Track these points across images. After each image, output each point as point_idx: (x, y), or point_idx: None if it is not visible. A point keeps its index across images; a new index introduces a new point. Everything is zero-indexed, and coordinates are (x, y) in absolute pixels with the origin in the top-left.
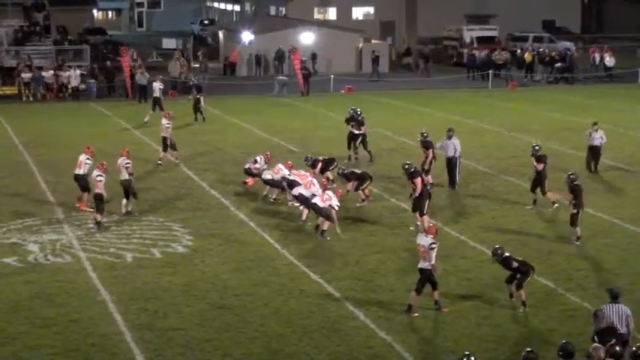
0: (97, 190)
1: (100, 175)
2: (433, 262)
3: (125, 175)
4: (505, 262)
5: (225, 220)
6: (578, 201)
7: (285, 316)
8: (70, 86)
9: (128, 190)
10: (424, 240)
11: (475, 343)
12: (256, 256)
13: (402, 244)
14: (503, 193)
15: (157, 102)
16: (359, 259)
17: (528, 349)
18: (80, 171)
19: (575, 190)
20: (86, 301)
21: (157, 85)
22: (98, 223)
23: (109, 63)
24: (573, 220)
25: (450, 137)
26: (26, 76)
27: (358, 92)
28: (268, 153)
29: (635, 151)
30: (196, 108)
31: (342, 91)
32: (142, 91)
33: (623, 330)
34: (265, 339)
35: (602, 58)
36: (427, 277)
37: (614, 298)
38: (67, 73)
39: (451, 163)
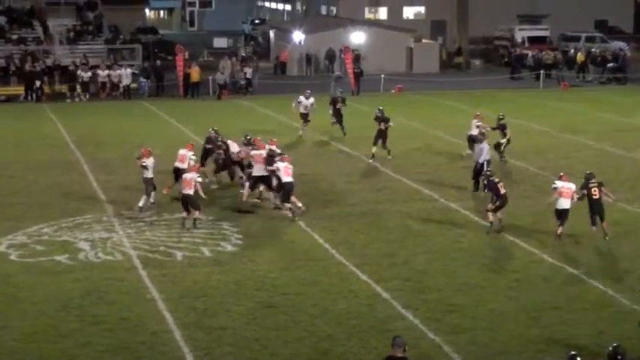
0: (189, 191)
1: (198, 177)
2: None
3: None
4: (494, 187)
5: (274, 219)
6: (494, 196)
7: (334, 316)
8: (121, 85)
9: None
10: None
11: (524, 344)
12: (305, 256)
13: (450, 244)
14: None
15: (303, 117)
16: (407, 259)
17: (573, 352)
18: (183, 165)
19: (487, 186)
20: (136, 299)
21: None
22: (194, 220)
23: (159, 62)
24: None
25: (481, 141)
26: (86, 75)
27: (408, 92)
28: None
29: None
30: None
31: (393, 91)
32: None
33: None
34: (314, 339)
35: None
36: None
37: None
38: (119, 71)
39: (480, 168)
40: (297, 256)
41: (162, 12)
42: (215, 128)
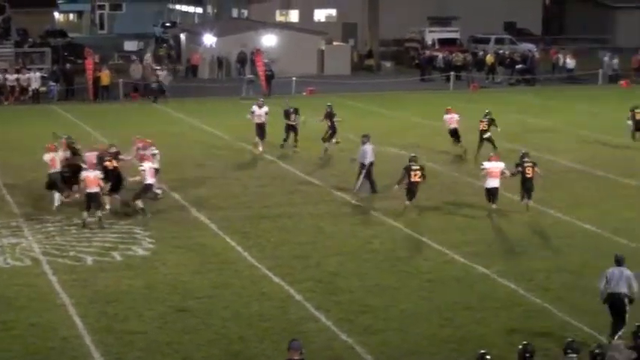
0: (95, 189)
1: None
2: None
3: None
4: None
5: (186, 223)
6: (401, 178)
7: (246, 318)
8: (30, 89)
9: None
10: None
11: (437, 344)
12: (217, 259)
13: (362, 245)
14: (465, 194)
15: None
16: (319, 261)
17: (482, 351)
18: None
19: (405, 168)
20: (46, 304)
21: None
22: (99, 219)
23: (68, 65)
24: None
25: (364, 143)
26: None
27: (320, 94)
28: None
29: (595, 153)
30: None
31: (304, 93)
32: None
33: (623, 290)
34: (226, 341)
35: (564, 60)
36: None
37: (619, 262)
38: (28, 75)
39: (368, 169)
40: (209, 259)
41: (71, 15)
42: (67, 135)
